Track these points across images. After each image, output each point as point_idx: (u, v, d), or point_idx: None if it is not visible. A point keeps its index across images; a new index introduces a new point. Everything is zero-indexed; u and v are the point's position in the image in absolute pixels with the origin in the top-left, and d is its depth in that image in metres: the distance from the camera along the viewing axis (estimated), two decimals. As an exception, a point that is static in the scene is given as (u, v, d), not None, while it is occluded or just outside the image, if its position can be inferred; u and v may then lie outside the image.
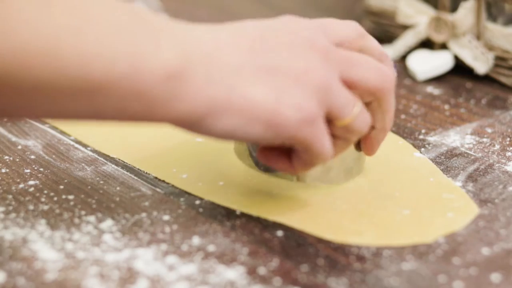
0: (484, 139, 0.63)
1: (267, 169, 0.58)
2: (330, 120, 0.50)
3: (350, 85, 0.51)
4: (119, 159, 0.61)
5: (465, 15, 0.73)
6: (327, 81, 0.49)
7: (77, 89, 0.44)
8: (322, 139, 0.50)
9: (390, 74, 0.53)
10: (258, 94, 0.47)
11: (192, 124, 0.47)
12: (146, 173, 0.59)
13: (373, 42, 0.54)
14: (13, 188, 0.57)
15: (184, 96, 0.46)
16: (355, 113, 0.50)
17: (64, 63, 0.43)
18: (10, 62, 0.42)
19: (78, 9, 0.44)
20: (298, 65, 0.49)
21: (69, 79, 0.43)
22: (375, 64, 0.52)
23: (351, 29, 0.53)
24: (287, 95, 0.48)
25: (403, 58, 0.77)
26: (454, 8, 0.74)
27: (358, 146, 0.56)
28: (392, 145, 0.63)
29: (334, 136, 0.51)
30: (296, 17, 0.52)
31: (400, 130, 0.66)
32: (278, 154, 0.52)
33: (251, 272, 0.48)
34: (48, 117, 0.47)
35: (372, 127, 0.54)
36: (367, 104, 0.52)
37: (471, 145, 0.63)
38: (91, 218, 0.53)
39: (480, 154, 0.61)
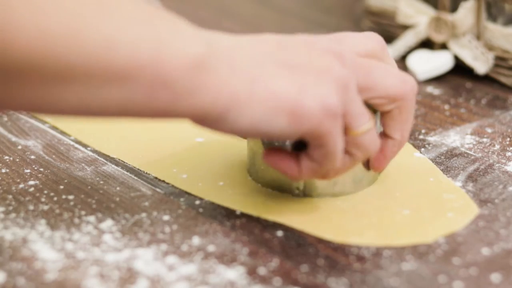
0: (484, 139, 0.63)
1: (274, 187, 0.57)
2: (344, 130, 0.50)
3: (369, 90, 0.51)
4: (119, 159, 0.61)
5: (465, 15, 0.73)
6: (346, 80, 0.49)
7: (102, 75, 0.44)
8: (338, 139, 0.49)
9: (411, 81, 0.53)
10: (281, 86, 0.48)
11: (217, 118, 0.47)
12: (146, 173, 0.59)
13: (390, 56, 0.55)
14: (13, 188, 0.57)
15: (208, 88, 0.46)
16: (367, 127, 0.50)
17: (89, 48, 0.43)
18: (36, 46, 0.42)
19: (98, 3, 0.44)
20: (318, 63, 0.49)
21: (95, 65, 0.43)
22: (396, 71, 0.53)
23: (374, 41, 0.54)
24: (309, 87, 0.48)
25: (403, 58, 0.77)
26: (454, 8, 0.74)
27: (367, 164, 0.56)
28: (392, 145, 0.63)
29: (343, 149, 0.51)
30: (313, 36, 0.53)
31: (400, 130, 0.66)
32: (286, 156, 0.52)
33: (251, 272, 0.48)
34: (74, 113, 0.46)
35: (388, 138, 0.54)
36: (387, 113, 0.53)
37: (471, 145, 0.63)
38: (91, 218, 0.53)
39: (480, 154, 0.61)
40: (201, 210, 0.55)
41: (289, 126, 0.48)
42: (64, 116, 0.46)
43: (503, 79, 0.73)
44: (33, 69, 0.43)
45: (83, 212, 0.54)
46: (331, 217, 0.54)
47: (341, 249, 0.51)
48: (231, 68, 0.47)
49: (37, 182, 0.57)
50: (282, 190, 0.56)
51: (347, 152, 0.51)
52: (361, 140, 0.50)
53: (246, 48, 0.49)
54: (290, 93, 0.48)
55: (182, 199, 0.56)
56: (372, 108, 0.52)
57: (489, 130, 0.65)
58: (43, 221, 0.53)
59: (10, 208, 0.54)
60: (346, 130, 0.50)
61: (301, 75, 0.48)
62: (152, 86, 0.45)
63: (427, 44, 0.76)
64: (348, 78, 0.49)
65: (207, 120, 0.47)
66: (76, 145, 0.63)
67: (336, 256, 0.50)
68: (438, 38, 0.74)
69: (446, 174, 0.59)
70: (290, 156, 0.51)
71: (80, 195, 0.56)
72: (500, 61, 0.73)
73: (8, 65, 0.42)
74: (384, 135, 0.54)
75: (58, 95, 0.44)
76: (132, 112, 0.46)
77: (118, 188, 0.57)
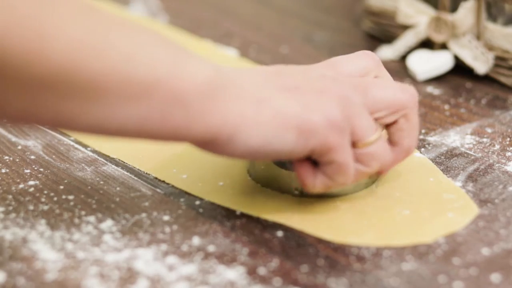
0: (484, 139, 0.63)
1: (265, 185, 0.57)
2: (352, 144, 0.51)
3: (370, 107, 0.52)
4: (119, 160, 0.61)
5: (465, 15, 0.73)
6: (347, 96, 0.50)
7: (121, 91, 0.45)
8: (346, 153, 0.51)
9: (411, 89, 0.54)
10: (285, 105, 0.49)
11: (227, 139, 0.48)
12: (146, 173, 0.59)
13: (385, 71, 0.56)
14: (13, 188, 0.57)
15: (219, 109, 0.48)
16: (375, 137, 0.51)
17: (110, 63, 0.45)
18: (64, 58, 0.44)
19: (117, 22, 0.47)
20: (316, 86, 0.51)
21: (115, 79, 0.45)
22: (394, 83, 0.54)
23: (367, 59, 0.55)
24: (312, 105, 0.50)
25: (403, 58, 0.77)
26: (454, 8, 0.74)
27: None
28: (392, 145, 0.63)
29: (355, 161, 0.52)
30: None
31: (400, 130, 0.66)
32: (308, 167, 0.52)
33: (251, 272, 0.48)
34: (92, 130, 0.47)
35: (397, 146, 0.54)
36: (394, 124, 0.53)
37: (471, 145, 0.63)
38: (91, 218, 0.53)
39: (480, 154, 0.61)
40: (201, 210, 0.55)
41: (297, 143, 0.49)
42: (84, 133, 0.48)
43: (503, 79, 0.73)
44: (59, 81, 0.44)
45: (83, 212, 0.54)
46: (331, 217, 0.54)
47: (341, 249, 0.51)
48: (237, 92, 0.49)
49: (37, 182, 0.57)
50: (281, 191, 0.56)
51: (361, 163, 0.52)
52: (372, 150, 0.52)
53: (247, 75, 0.51)
54: (295, 111, 0.49)
55: (182, 199, 0.56)
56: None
57: (489, 130, 0.65)
58: (43, 221, 0.53)
59: (10, 208, 0.54)
60: (355, 144, 0.51)
61: (302, 95, 0.50)
62: (168, 104, 0.47)
63: (427, 44, 0.76)
64: (348, 93, 0.51)
65: (218, 142, 0.49)
66: (76, 145, 0.63)
67: (336, 256, 0.50)
68: (438, 38, 0.74)
69: (446, 174, 0.59)
70: (310, 167, 0.52)
71: (80, 195, 0.56)
72: (500, 61, 0.73)
73: (39, 76, 0.44)
74: (393, 143, 0.54)
75: (78, 110, 0.45)
76: (147, 132, 0.48)
77: (118, 188, 0.57)
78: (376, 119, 0.53)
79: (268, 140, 0.49)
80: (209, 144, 0.49)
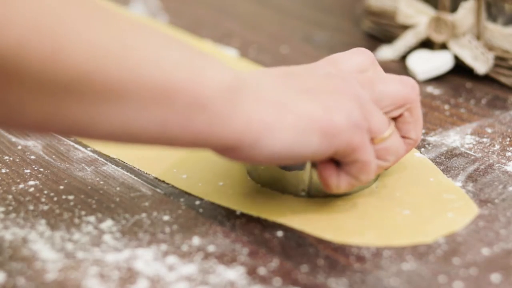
0: (484, 139, 0.63)
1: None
2: (370, 140, 0.51)
3: (380, 101, 0.52)
4: (119, 160, 0.61)
5: (465, 15, 0.73)
6: (359, 95, 0.51)
7: (142, 94, 0.45)
8: (370, 151, 0.51)
9: (411, 81, 0.55)
10: (307, 108, 0.49)
11: (250, 144, 0.48)
12: (146, 173, 0.59)
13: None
14: (13, 188, 0.57)
15: (241, 113, 0.47)
16: (390, 131, 0.52)
17: (131, 66, 0.44)
18: (84, 59, 0.43)
19: (132, 25, 0.46)
20: (328, 86, 0.51)
21: (135, 82, 0.44)
22: (395, 77, 0.54)
23: (363, 56, 0.55)
24: (332, 106, 0.49)
25: (403, 58, 0.77)
26: (454, 8, 0.74)
27: None
28: (392, 145, 0.63)
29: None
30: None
31: (400, 130, 0.66)
32: (332, 169, 0.52)
33: (251, 272, 0.48)
34: (114, 136, 0.46)
35: (405, 138, 0.55)
36: (399, 118, 0.54)
37: (471, 145, 0.63)
38: (91, 218, 0.53)
39: (480, 154, 0.61)
40: (201, 210, 0.55)
41: (321, 145, 0.49)
42: (103, 140, 0.47)
43: (503, 79, 0.73)
44: (77, 86, 0.43)
45: (83, 212, 0.54)
46: (331, 217, 0.54)
47: (341, 249, 0.51)
48: (258, 96, 0.48)
49: (37, 182, 0.57)
50: (285, 192, 0.56)
51: (380, 158, 0.52)
52: (388, 145, 0.52)
53: (264, 79, 0.50)
54: (317, 113, 0.49)
55: (182, 199, 0.56)
56: None
57: (489, 130, 0.65)
58: (43, 221, 0.53)
59: (10, 208, 0.54)
60: (372, 140, 0.51)
61: (320, 96, 0.50)
62: (189, 108, 0.46)
63: (427, 44, 0.76)
64: (360, 92, 0.51)
65: (241, 147, 0.48)
66: (76, 145, 0.63)
67: (336, 256, 0.50)
68: (438, 38, 0.74)
69: (446, 174, 0.59)
70: (334, 168, 0.52)
71: (80, 195, 0.56)
72: (500, 61, 0.73)
73: (56, 80, 0.43)
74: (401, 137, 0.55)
75: (97, 116, 0.45)
76: (168, 138, 0.47)
77: (118, 188, 0.57)
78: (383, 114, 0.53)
79: (292, 144, 0.48)
80: (232, 150, 0.48)
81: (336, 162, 0.52)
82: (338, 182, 0.52)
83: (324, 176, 0.52)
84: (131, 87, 0.44)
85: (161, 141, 0.47)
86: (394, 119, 0.54)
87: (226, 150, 0.48)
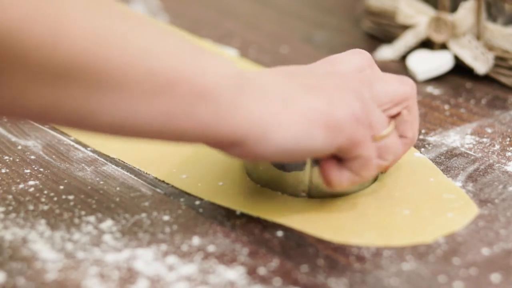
0: (484, 139, 0.63)
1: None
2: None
3: (379, 99, 0.52)
4: (119, 160, 0.61)
5: (465, 15, 0.73)
6: (360, 92, 0.51)
7: (147, 84, 0.44)
8: (371, 147, 0.51)
9: (409, 80, 0.55)
10: (311, 102, 0.49)
11: (256, 139, 0.48)
12: (146, 173, 0.59)
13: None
14: (13, 188, 0.57)
15: (246, 107, 0.47)
16: (389, 129, 0.52)
17: (133, 54, 0.44)
18: (84, 46, 0.43)
19: (131, 16, 0.46)
20: (329, 83, 0.51)
21: (138, 73, 0.44)
22: (392, 76, 0.55)
23: (361, 56, 0.55)
24: (335, 99, 0.50)
25: (403, 58, 0.77)
26: (454, 8, 0.74)
27: None
28: (392, 145, 0.63)
29: None
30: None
31: (400, 130, 0.66)
32: (334, 166, 0.52)
33: (251, 272, 0.48)
34: (115, 128, 0.46)
35: (402, 137, 0.55)
36: (397, 117, 0.54)
37: (471, 145, 0.63)
38: (91, 218, 0.53)
39: (480, 154, 0.61)
40: (201, 210, 0.55)
41: (326, 139, 0.49)
42: (105, 133, 0.46)
43: (503, 79, 0.73)
44: (78, 72, 0.43)
45: (83, 212, 0.54)
46: (331, 217, 0.54)
47: (341, 249, 0.51)
48: (262, 91, 0.48)
49: (37, 182, 0.57)
50: (285, 193, 0.56)
51: (379, 157, 0.52)
52: (387, 144, 0.52)
53: (268, 75, 0.50)
54: (321, 108, 0.49)
55: (182, 199, 0.56)
56: None
57: (489, 130, 0.65)
58: (43, 221, 0.53)
59: (10, 208, 0.54)
60: (375, 136, 0.51)
61: (322, 92, 0.50)
62: (193, 99, 0.46)
63: (427, 44, 0.76)
64: (361, 89, 0.51)
65: (248, 142, 0.48)
66: (76, 145, 0.63)
67: (336, 256, 0.50)
68: (438, 38, 0.74)
69: (446, 174, 0.59)
70: (336, 164, 0.52)
71: (80, 195, 0.56)
72: (500, 61, 0.73)
73: (58, 65, 0.43)
74: (399, 136, 0.55)
75: (99, 104, 0.44)
76: (172, 130, 0.46)
77: (118, 188, 0.57)
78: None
79: (298, 138, 0.48)
80: (237, 145, 0.48)
81: (338, 159, 0.52)
82: (340, 178, 0.51)
83: (326, 172, 0.52)
84: (133, 76, 0.44)
85: (164, 135, 0.47)
86: (393, 118, 0.54)
87: (231, 145, 0.48)
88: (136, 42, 0.44)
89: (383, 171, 0.56)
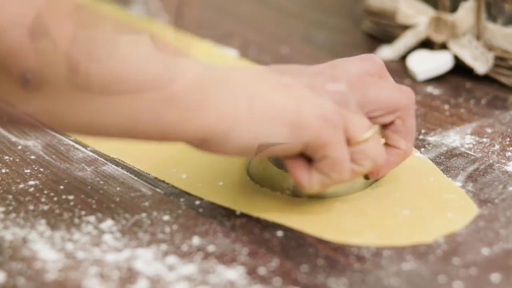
0: (484, 139, 0.63)
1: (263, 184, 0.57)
2: (346, 142, 0.51)
3: (366, 104, 0.52)
4: (119, 160, 0.61)
5: (465, 15, 0.73)
6: (341, 93, 0.51)
7: (110, 87, 0.45)
8: (341, 149, 0.50)
9: (408, 91, 0.55)
10: (279, 100, 0.50)
11: (221, 136, 0.48)
12: (146, 173, 0.59)
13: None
14: (13, 188, 0.57)
15: (212, 106, 0.48)
16: (368, 135, 0.51)
17: (95, 59, 0.45)
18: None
19: (104, 19, 0.47)
20: (309, 81, 0.51)
21: (102, 75, 0.45)
22: (393, 83, 0.55)
23: (370, 62, 0.55)
24: (306, 100, 0.50)
25: (403, 58, 0.77)
26: (454, 8, 0.74)
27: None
28: (392, 145, 0.63)
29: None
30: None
31: (400, 130, 0.66)
32: (302, 165, 0.51)
33: (251, 272, 0.48)
34: (85, 129, 0.47)
35: (393, 148, 0.55)
36: (390, 125, 0.54)
37: (471, 145, 0.63)
38: (91, 218, 0.53)
39: (480, 154, 0.61)
40: (201, 210, 0.55)
41: (291, 137, 0.49)
42: (73, 133, 0.48)
43: (503, 79, 0.73)
44: (47, 74, 0.44)
45: (83, 212, 0.54)
46: (331, 217, 0.54)
47: (341, 249, 0.51)
48: (230, 88, 0.49)
49: (37, 182, 0.57)
50: (274, 190, 0.56)
51: (355, 162, 0.52)
52: (364, 148, 0.51)
53: (238, 73, 0.51)
54: (287, 105, 0.49)
55: (182, 199, 0.56)
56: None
57: (489, 130, 0.65)
58: (43, 221, 0.53)
59: (10, 208, 0.54)
60: (348, 142, 0.51)
61: (295, 91, 0.50)
62: (160, 102, 0.47)
63: (427, 44, 0.76)
64: (344, 90, 0.51)
65: (213, 140, 0.49)
66: (76, 145, 0.63)
67: (336, 256, 0.50)
68: (438, 38, 0.74)
69: (446, 174, 0.59)
70: (305, 166, 0.51)
71: (80, 195, 0.56)
72: (500, 61, 0.73)
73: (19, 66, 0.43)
74: (389, 145, 0.55)
75: (69, 106, 0.45)
76: (141, 131, 0.48)
77: (118, 188, 0.57)
78: (371, 118, 0.53)
79: (262, 135, 0.49)
80: (203, 143, 0.49)
81: (308, 160, 0.51)
82: (310, 179, 0.51)
83: (294, 173, 0.51)
84: (98, 80, 0.45)
85: (132, 135, 0.48)
86: (385, 127, 0.54)
87: (200, 143, 0.49)
88: (103, 48, 0.45)
89: (374, 176, 0.55)
